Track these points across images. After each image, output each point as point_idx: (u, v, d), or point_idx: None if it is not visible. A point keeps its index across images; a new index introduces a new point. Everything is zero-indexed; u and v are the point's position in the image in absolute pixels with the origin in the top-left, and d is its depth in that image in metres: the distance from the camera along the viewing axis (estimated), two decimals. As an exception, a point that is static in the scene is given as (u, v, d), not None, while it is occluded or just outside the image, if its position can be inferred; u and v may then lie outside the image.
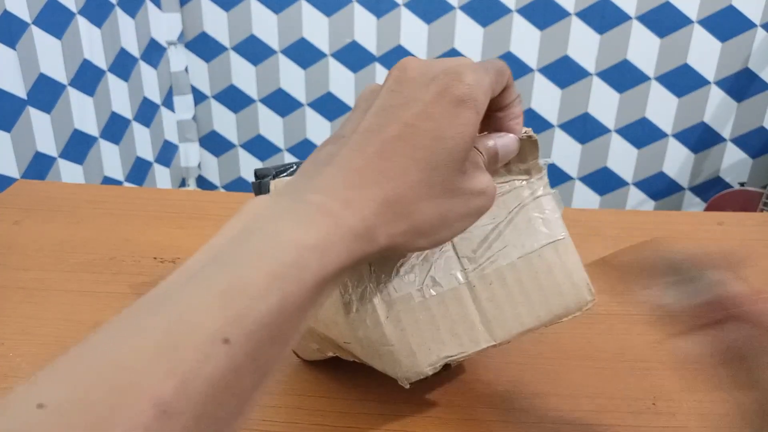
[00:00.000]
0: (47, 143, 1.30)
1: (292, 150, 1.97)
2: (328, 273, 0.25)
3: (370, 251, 0.27)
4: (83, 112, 1.42)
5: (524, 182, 0.37)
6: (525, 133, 0.35)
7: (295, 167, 0.44)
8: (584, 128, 1.86)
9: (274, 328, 0.23)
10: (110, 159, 1.55)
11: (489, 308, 0.35)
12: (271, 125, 1.95)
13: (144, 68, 1.69)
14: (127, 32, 1.59)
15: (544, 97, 1.83)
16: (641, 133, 1.85)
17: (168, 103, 1.84)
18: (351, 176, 0.27)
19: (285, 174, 0.44)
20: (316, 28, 1.81)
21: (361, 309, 0.34)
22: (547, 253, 0.36)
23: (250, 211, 0.27)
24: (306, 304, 0.24)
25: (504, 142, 0.32)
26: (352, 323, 0.35)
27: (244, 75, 1.89)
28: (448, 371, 0.44)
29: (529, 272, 0.36)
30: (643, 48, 1.75)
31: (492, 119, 0.33)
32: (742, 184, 1.87)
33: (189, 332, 0.21)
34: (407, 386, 0.35)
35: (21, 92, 1.21)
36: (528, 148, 0.36)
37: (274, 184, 0.42)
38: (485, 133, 0.33)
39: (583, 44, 1.76)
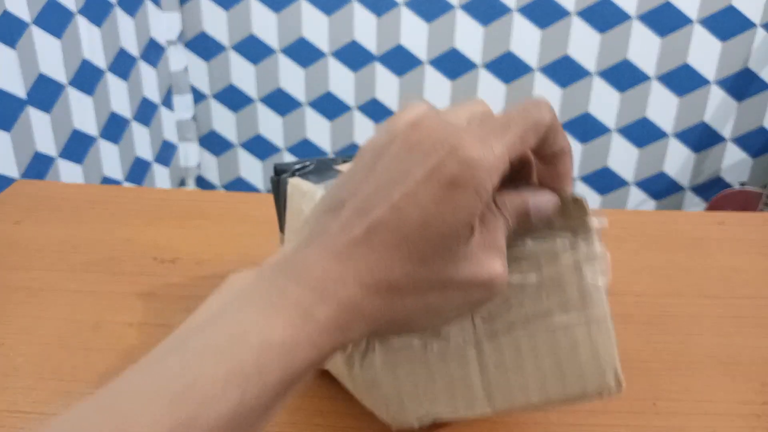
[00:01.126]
0: (47, 143, 1.30)
1: (292, 150, 1.97)
2: (293, 372, 0.23)
3: (342, 344, 0.25)
4: (83, 112, 1.42)
5: (567, 242, 0.31)
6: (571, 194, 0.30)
7: (312, 165, 0.44)
8: (584, 128, 1.86)
9: (230, 429, 0.22)
10: (110, 159, 1.55)
11: (494, 374, 0.32)
12: (270, 125, 1.95)
13: (143, 68, 1.69)
14: (127, 32, 1.59)
15: (545, 97, 1.83)
16: (642, 133, 1.85)
17: (167, 102, 1.84)
18: (331, 264, 0.24)
19: (303, 171, 0.43)
20: (315, 27, 1.81)
21: (358, 347, 0.33)
22: (576, 329, 0.31)
23: (231, 288, 0.26)
24: (268, 404, 0.23)
25: (538, 201, 0.28)
26: (348, 359, 0.33)
27: (243, 74, 1.89)
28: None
29: (550, 346, 0.31)
30: (643, 47, 1.75)
31: (536, 169, 0.29)
32: (742, 184, 1.87)
33: None
34: (394, 430, 0.34)
35: (21, 92, 1.21)
36: (573, 207, 0.30)
37: (291, 183, 0.42)
38: (520, 187, 0.29)
39: (583, 44, 1.76)
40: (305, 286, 0.24)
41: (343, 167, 0.43)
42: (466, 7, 1.75)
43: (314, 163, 0.43)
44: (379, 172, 0.25)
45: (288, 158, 1.99)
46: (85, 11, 1.39)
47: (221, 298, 0.25)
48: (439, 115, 0.26)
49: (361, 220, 0.24)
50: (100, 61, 1.47)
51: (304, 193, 0.40)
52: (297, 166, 0.43)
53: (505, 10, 1.74)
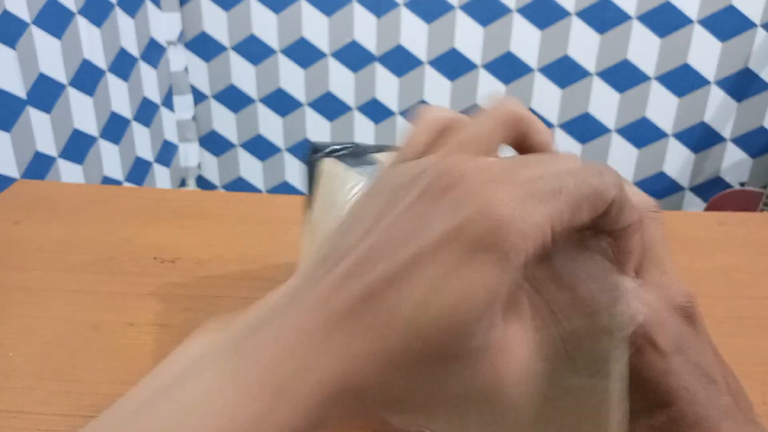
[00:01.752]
0: (47, 143, 1.30)
1: (291, 150, 1.97)
2: None
3: (318, 429, 0.20)
4: (83, 112, 1.42)
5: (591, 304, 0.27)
6: None
7: (348, 150, 0.42)
8: (584, 128, 1.86)
9: None
10: (110, 159, 1.55)
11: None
12: (271, 125, 1.95)
13: (143, 68, 1.69)
14: (127, 32, 1.59)
15: (544, 97, 1.83)
16: (641, 133, 1.86)
17: (168, 102, 1.84)
18: (316, 331, 0.20)
19: (339, 154, 0.43)
20: (316, 27, 1.81)
21: None
22: (583, 394, 0.27)
23: (198, 343, 0.22)
24: None
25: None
26: None
27: (243, 75, 1.89)
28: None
29: (551, 402, 0.28)
30: (643, 48, 1.75)
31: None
32: (742, 184, 1.87)
33: None
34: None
35: (21, 92, 1.21)
36: None
37: (325, 162, 0.41)
38: None
39: (583, 44, 1.76)
40: (280, 356, 0.19)
41: (379, 157, 0.43)
42: (466, 8, 1.75)
43: (351, 147, 0.43)
44: (393, 219, 0.21)
45: (288, 158, 1.99)
46: (85, 11, 1.39)
47: (186, 355, 0.21)
48: (469, 146, 0.22)
49: (361, 277, 0.20)
50: (100, 61, 1.47)
51: (337, 174, 0.40)
52: (333, 147, 0.42)
53: (505, 10, 1.74)
